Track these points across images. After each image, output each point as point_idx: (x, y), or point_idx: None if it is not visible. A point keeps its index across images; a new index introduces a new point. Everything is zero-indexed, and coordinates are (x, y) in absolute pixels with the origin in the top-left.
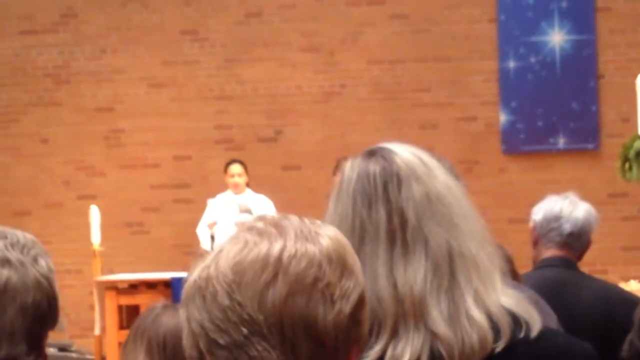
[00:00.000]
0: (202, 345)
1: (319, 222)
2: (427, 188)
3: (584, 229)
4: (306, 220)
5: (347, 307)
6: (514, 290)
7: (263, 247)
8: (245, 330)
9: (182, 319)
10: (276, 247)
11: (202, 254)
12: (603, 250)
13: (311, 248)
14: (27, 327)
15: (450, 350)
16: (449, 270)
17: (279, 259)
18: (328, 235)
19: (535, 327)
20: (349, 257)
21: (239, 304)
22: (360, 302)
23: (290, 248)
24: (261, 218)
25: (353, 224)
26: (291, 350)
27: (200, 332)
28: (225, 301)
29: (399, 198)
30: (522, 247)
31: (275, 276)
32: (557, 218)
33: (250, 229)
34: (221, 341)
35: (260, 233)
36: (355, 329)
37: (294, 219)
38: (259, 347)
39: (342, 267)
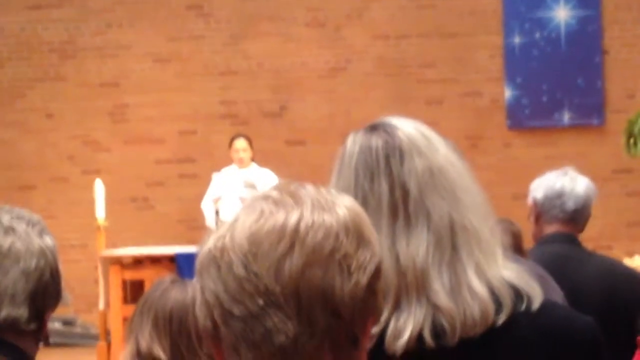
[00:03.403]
0: (216, 315)
1: (334, 191)
2: (429, 161)
3: (586, 203)
4: (322, 190)
5: (364, 278)
6: (516, 263)
7: (280, 217)
8: (261, 301)
9: (196, 289)
10: (293, 217)
11: (219, 227)
12: (608, 226)
13: (328, 218)
14: (29, 292)
15: (452, 323)
16: (450, 243)
17: (296, 229)
18: (345, 205)
19: (537, 300)
20: (365, 227)
21: (255, 274)
22: (377, 273)
23: (307, 218)
24: (277, 187)
25: (355, 197)
26: (307, 321)
27: (215, 303)
28: (241, 272)
29: (401, 171)
30: (526, 222)
31: (292, 247)
32: (559, 195)
33: (266, 198)
34: (236, 312)
35: (276, 202)
36: (371, 300)
37: (310, 188)
38: (275, 319)
39: (359, 237)
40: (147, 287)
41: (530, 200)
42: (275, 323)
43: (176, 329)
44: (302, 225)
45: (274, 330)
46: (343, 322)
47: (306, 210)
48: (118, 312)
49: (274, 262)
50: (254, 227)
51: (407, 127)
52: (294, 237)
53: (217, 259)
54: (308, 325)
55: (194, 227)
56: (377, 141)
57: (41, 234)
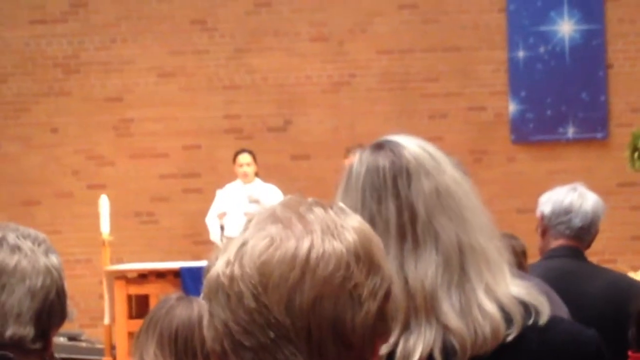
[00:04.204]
0: (226, 344)
1: (341, 207)
2: (436, 182)
3: (594, 221)
4: (330, 211)
5: (374, 306)
6: (523, 280)
7: (290, 246)
8: (272, 334)
9: (204, 309)
10: (303, 247)
11: (225, 244)
12: (612, 240)
13: (338, 246)
14: (34, 311)
15: (462, 343)
16: (459, 264)
17: (307, 260)
18: (353, 227)
19: (545, 314)
20: (375, 250)
21: (266, 307)
22: (387, 296)
23: (318, 247)
24: (285, 205)
25: (362, 218)
26: (318, 353)
27: (225, 332)
28: (252, 304)
29: (409, 193)
30: (530, 236)
31: (302, 278)
32: (566, 212)
33: (275, 220)
34: (247, 343)
35: (286, 227)
36: (381, 324)
37: (318, 211)
38: (286, 351)
39: (369, 263)
40: (152, 302)
41: (538, 214)
42: (286, 356)
43: (181, 348)
44: (313, 255)
45: None
46: (354, 352)
47: (316, 238)
48: (123, 326)
49: (285, 295)
50: (264, 256)
51: (413, 147)
52: (304, 268)
53: (226, 287)
54: (319, 357)
55: (199, 241)
56: (383, 161)
57: (47, 252)
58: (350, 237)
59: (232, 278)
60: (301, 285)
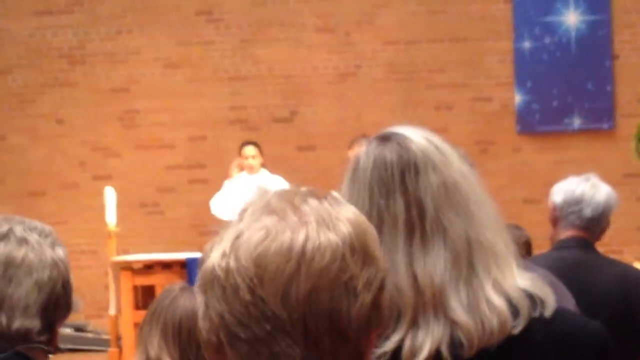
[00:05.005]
0: (222, 336)
1: (335, 198)
2: (444, 177)
3: (605, 212)
4: (325, 202)
5: (369, 297)
6: (529, 271)
7: (286, 238)
8: (267, 326)
9: (200, 302)
10: (299, 239)
11: (220, 234)
12: (618, 231)
13: (333, 238)
14: (41, 303)
15: (469, 337)
16: (467, 259)
17: (303, 252)
18: (348, 219)
19: (550, 306)
20: (370, 241)
21: (262, 299)
22: (382, 287)
23: (314, 239)
24: (280, 197)
25: (370, 213)
26: (314, 345)
27: (221, 323)
28: (247, 296)
29: (417, 188)
30: (536, 227)
31: (298, 270)
32: (577, 202)
33: (270, 211)
34: (242, 335)
35: (281, 218)
36: (375, 315)
37: (313, 202)
38: (282, 343)
39: (364, 255)
40: (158, 292)
41: (550, 204)
42: (282, 347)
43: (185, 339)
44: (309, 247)
45: (280, 354)
46: (349, 343)
47: (311, 229)
48: (129, 317)
49: (281, 287)
50: (260, 249)
51: (419, 139)
52: (300, 260)
53: (222, 280)
54: (315, 349)
55: (205, 232)
56: (391, 155)
57: (53, 245)
58: (345, 228)
59: (227, 270)
60: (297, 278)
